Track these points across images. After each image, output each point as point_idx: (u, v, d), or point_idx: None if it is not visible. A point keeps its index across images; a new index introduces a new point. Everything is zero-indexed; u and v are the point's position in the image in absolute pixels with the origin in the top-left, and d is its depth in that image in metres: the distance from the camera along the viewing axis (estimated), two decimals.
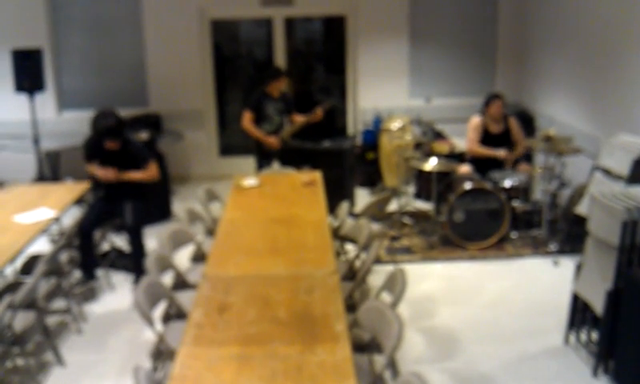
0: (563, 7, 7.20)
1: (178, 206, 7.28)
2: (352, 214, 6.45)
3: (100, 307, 5.23)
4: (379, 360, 3.27)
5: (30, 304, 3.98)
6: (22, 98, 7.57)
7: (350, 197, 6.98)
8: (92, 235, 5.44)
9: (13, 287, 4.21)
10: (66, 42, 8.40)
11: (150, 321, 3.40)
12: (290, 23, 8.68)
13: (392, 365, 3.26)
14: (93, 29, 8.39)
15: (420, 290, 5.38)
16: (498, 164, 6.56)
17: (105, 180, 5.45)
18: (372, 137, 8.28)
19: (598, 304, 4.03)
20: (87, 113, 8.22)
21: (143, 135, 7.21)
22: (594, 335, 4.28)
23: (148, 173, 5.54)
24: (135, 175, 5.50)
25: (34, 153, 7.77)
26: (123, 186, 5.50)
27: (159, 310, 3.83)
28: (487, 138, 6.59)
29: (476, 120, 6.61)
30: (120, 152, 5.44)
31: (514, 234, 6.33)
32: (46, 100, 8.10)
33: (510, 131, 6.57)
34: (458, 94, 8.71)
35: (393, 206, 7.05)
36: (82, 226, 5.30)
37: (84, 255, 5.37)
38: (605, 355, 4.00)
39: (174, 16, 8.32)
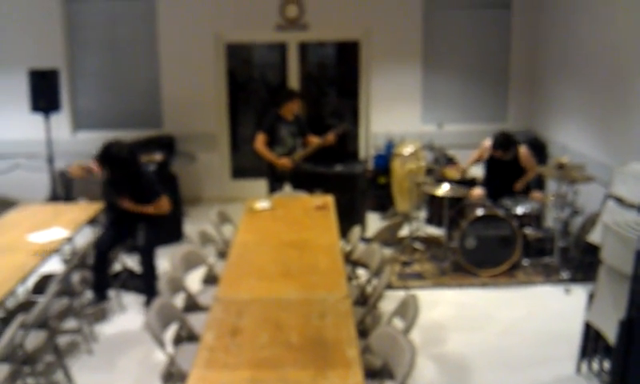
0: (575, 36, 7.23)
1: (191, 228, 7.28)
2: (364, 239, 6.44)
3: (111, 328, 5.23)
4: None
5: (41, 324, 3.99)
6: (38, 118, 7.66)
7: (361, 221, 6.97)
8: (108, 256, 5.47)
9: (25, 306, 4.22)
10: (81, 64, 8.51)
11: (161, 342, 3.40)
12: (303, 48, 8.75)
13: None
14: (108, 50, 8.50)
15: (431, 317, 5.35)
16: (509, 190, 6.56)
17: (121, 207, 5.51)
18: (384, 161, 8.29)
19: (610, 333, 4.00)
20: (101, 133, 8.36)
21: (157, 157, 7.28)
22: (607, 364, 4.24)
23: (158, 208, 5.56)
24: (146, 209, 5.53)
25: (47, 172, 7.84)
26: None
27: (170, 332, 3.83)
28: (495, 164, 6.59)
29: (487, 144, 6.63)
30: (133, 182, 5.49)
31: (525, 262, 6.30)
32: (61, 120, 8.20)
33: (519, 159, 6.55)
34: (470, 121, 8.72)
35: (404, 231, 7.03)
36: (99, 246, 5.33)
37: (98, 275, 5.39)
38: None
39: (189, 39, 8.41)
